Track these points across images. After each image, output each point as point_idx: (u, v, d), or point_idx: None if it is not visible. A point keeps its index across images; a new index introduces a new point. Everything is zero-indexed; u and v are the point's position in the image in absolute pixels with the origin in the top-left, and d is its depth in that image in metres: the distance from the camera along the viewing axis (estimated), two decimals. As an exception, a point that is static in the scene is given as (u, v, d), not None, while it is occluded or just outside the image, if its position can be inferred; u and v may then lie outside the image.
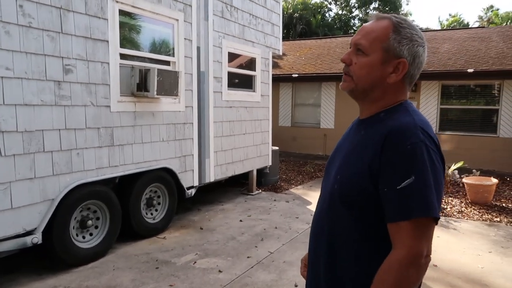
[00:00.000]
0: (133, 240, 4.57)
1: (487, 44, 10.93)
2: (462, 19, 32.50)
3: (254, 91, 6.98)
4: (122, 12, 4.30)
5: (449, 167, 7.28)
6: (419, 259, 1.05)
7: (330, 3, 30.78)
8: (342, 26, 29.23)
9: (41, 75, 3.50)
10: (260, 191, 7.24)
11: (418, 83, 10.14)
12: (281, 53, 8.20)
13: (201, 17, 5.51)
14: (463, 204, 6.49)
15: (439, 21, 34.46)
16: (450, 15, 35.15)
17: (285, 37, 22.50)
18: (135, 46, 4.63)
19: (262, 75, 7.16)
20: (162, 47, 4.99)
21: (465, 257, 4.31)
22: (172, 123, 5.04)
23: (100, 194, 4.07)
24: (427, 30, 16.46)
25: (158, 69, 4.42)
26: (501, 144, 9.37)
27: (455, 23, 31.29)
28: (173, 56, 5.06)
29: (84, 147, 3.90)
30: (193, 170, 5.46)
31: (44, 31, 3.52)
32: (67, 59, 3.72)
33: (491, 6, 32.87)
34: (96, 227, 4.13)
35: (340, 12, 30.81)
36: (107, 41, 4.10)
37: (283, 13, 19.14)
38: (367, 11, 30.26)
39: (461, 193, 7.14)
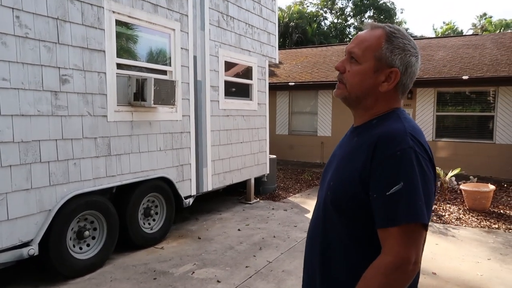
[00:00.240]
0: (130, 250, 4.53)
1: (481, 51, 11.04)
2: (456, 27, 32.86)
3: (251, 100, 7.00)
4: (118, 22, 4.32)
5: (446, 174, 7.29)
6: (407, 265, 1.05)
7: (325, 12, 31.10)
8: (337, 35, 29.49)
9: (37, 85, 3.49)
10: (258, 199, 7.21)
11: (413, 90, 10.20)
12: (277, 62, 8.24)
13: (197, 27, 5.54)
14: (461, 211, 6.49)
15: (434, 29, 34.81)
16: (444, 23, 35.54)
17: (281, 46, 22.64)
18: (132, 55, 4.64)
19: (259, 84, 7.18)
20: (158, 56, 5.01)
21: (464, 265, 4.29)
22: (169, 132, 5.03)
23: (97, 204, 4.04)
24: (422, 38, 16.62)
25: (155, 79, 4.43)
26: (498, 150, 9.42)
27: (449, 31, 31.62)
28: (170, 65, 5.08)
29: (81, 157, 3.88)
30: (190, 179, 5.44)
31: (41, 42, 3.52)
32: (64, 69, 3.72)
33: (485, 14, 33.27)
34: (93, 238, 4.09)
35: (335, 20, 31.11)
36: (104, 51, 4.11)
37: (279, 22, 19.29)
38: (362, 19, 30.56)
39: (458, 200, 7.14)
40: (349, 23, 31.19)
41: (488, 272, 4.09)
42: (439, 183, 7.52)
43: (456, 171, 7.15)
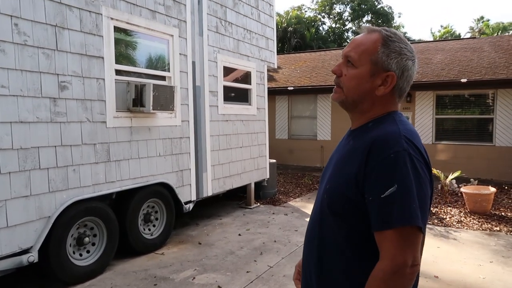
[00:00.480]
0: (130, 256, 4.51)
1: (479, 54, 11.07)
2: (453, 30, 32.99)
3: (250, 105, 7.01)
4: (117, 29, 4.33)
5: (447, 177, 7.28)
6: (404, 268, 1.05)
7: (323, 17, 31.25)
8: (336, 39, 29.62)
9: (36, 92, 3.50)
10: (258, 204, 7.20)
11: (412, 93, 10.23)
12: (276, 67, 8.26)
13: (195, 33, 5.56)
14: (462, 213, 6.47)
15: (431, 33, 35.00)
16: (441, 26, 35.69)
17: (280, 51, 22.72)
18: (131, 62, 4.66)
19: (258, 89, 7.19)
20: (157, 62, 5.02)
21: (466, 268, 4.27)
22: (169, 137, 5.03)
23: (97, 210, 4.03)
24: (419, 42, 16.68)
25: (153, 84, 4.44)
26: (498, 153, 9.41)
27: (447, 34, 31.75)
28: (169, 71, 5.09)
29: (80, 163, 3.88)
30: (190, 184, 5.43)
31: (40, 49, 3.53)
32: (63, 76, 3.73)
33: (482, 17, 33.43)
34: (93, 244, 4.08)
35: (333, 25, 31.25)
36: (102, 58, 4.12)
37: (277, 27, 19.37)
38: (360, 24, 30.70)
39: (459, 202, 7.12)
40: (347, 27, 31.34)
41: (490, 275, 4.07)
42: (439, 186, 7.51)
43: (456, 174, 7.15)
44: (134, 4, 4.50)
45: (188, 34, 5.37)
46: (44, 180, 3.55)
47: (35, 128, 3.49)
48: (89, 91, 3.98)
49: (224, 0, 6.18)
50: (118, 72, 4.35)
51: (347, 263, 1.17)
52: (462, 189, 6.82)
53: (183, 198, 5.24)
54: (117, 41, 4.34)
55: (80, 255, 3.96)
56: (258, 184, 7.41)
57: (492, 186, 6.86)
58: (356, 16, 30.49)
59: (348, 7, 30.94)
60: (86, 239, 3.96)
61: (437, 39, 29.53)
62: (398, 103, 1.26)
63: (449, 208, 6.82)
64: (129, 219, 4.44)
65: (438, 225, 5.88)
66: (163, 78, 5.01)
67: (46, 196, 3.57)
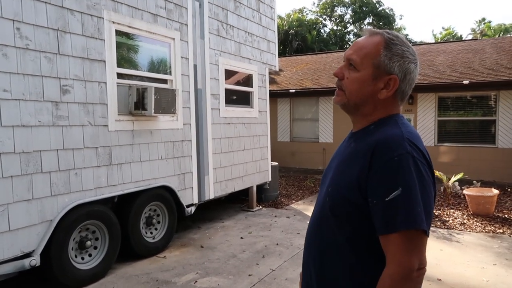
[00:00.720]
0: (132, 260, 4.51)
1: (481, 55, 11.05)
2: (455, 32, 32.95)
3: (251, 107, 7.01)
4: (118, 33, 4.34)
5: (449, 179, 7.25)
6: (411, 273, 1.05)
7: (325, 19, 31.29)
8: (337, 41, 29.64)
9: (38, 96, 3.51)
10: (260, 207, 7.19)
11: (414, 95, 10.21)
12: (277, 69, 8.27)
13: (197, 36, 5.57)
14: (465, 216, 6.44)
15: (433, 35, 34.93)
16: (443, 28, 35.67)
17: (282, 53, 22.75)
18: (132, 65, 4.67)
19: (259, 91, 7.20)
20: (159, 65, 5.03)
21: (470, 270, 4.25)
22: (171, 140, 5.03)
23: (99, 214, 4.03)
24: (421, 44, 16.67)
25: (155, 88, 4.44)
26: (500, 155, 9.38)
27: (449, 36, 31.72)
28: (170, 74, 5.09)
29: (82, 166, 3.88)
30: (192, 187, 5.43)
31: (41, 53, 3.54)
32: (65, 79, 3.74)
33: (483, 19, 33.41)
34: (95, 248, 4.08)
35: (335, 27, 31.28)
36: (104, 61, 4.13)
37: (278, 30, 19.40)
38: (362, 26, 30.72)
39: (462, 205, 7.09)
40: (348, 30, 31.37)
41: (494, 278, 4.05)
42: (442, 188, 7.48)
43: (459, 176, 7.12)
44: (135, 7, 4.52)
45: (189, 37, 5.38)
46: (46, 183, 3.56)
47: (37, 132, 3.49)
48: (91, 94, 3.99)
49: (225, 3, 6.20)
50: (120, 76, 4.36)
51: (349, 266, 1.16)
52: (464, 191, 6.79)
53: (185, 201, 5.24)
54: (118, 45, 4.35)
55: (82, 258, 3.96)
56: (260, 187, 7.40)
57: (495, 188, 6.83)
58: (358, 18, 30.52)
59: (349, 9, 30.98)
60: (88, 242, 3.96)
61: (439, 41, 29.52)
62: (400, 106, 1.25)
63: (452, 210, 6.79)
64: (131, 222, 4.44)
65: (441, 228, 5.85)
66: (164, 81, 5.02)
67: (48, 199, 3.58)
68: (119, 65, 4.36)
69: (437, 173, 6.70)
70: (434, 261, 4.45)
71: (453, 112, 10.17)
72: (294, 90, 11.41)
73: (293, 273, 4.14)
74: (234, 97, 6.59)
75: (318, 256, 1.24)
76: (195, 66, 5.51)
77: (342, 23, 31.31)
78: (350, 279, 1.16)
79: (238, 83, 6.74)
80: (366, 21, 30.66)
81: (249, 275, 4.13)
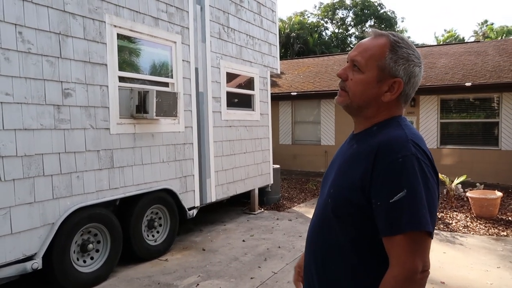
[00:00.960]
0: (134, 263, 4.50)
1: (483, 58, 11.03)
2: (457, 34, 32.92)
3: (253, 110, 7.01)
4: (120, 36, 4.36)
5: (452, 181, 7.22)
6: (414, 275, 1.04)
7: (326, 22, 31.33)
8: (339, 44, 29.66)
9: (40, 99, 3.52)
10: (262, 210, 7.17)
11: (416, 97, 10.19)
12: (279, 72, 8.27)
13: (198, 39, 5.59)
14: (468, 218, 6.41)
15: (435, 37, 34.91)
16: (445, 30, 35.66)
17: (283, 56, 22.78)
18: (134, 68, 4.68)
19: (261, 94, 7.20)
20: (160, 69, 5.04)
21: (473, 273, 4.22)
22: (172, 143, 5.04)
23: (100, 217, 4.03)
24: (423, 46, 16.66)
25: (156, 91, 4.45)
26: (504, 157, 9.33)
27: (451, 38, 31.69)
28: (172, 77, 5.11)
29: (84, 170, 3.89)
30: (194, 190, 5.43)
31: (43, 56, 3.56)
32: (66, 83, 3.75)
33: (486, 21, 33.35)
34: (97, 251, 4.07)
35: (336, 30, 31.31)
36: (106, 65, 4.14)
37: (280, 33, 19.42)
38: (363, 29, 30.75)
39: (465, 207, 7.06)
40: (350, 32, 31.39)
41: (498, 281, 4.02)
42: (445, 191, 7.45)
43: (462, 178, 7.09)
44: (137, 11, 4.54)
45: (191, 41, 5.40)
46: (48, 187, 3.56)
47: (39, 135, 3.50)
48: (93, 98, 4.00)
49: (226, 7, 6.21)
50: (121, 79, 4.37)
51: (351, 267, 1.16)
52: (468, 194, 6.76)
53: (186, 204, 5.24)
54: (120, 48, 4.36)
55: (84, 261, 3.96)
56: (262, 190, 7.39)
57: (498, 191, 6.79)
58: (359, 21, 30.55)
59: (351, 12, 31.02)
60: (90, 245, 3.96)
61: (441, 43, 29.50)
62: (403, 108, 1.25)
63: (455, 213, 6.76)
64: (132, 225, 4.43)
65: (444, 230, 5.82)
66: (166, 84, 5.03)
67: (50, 202, 3.58)
68: (121, 68, 4.38)
69: (440, 175, 6.65)
70: (437, 263, 4.42)
71: (456, 114, 10.14)
72: (295, 93, 11.42)
73: (295, 276, 4.13)
74: (236, 100, 6.60)
75: (320, 257, 1.24)
76: (196, 69, 5.52)
77: (344, 26, 31.34)
78: (352, 280, 1.16)
79: (239, 86, 6.75)
80: (368, 24, 30.68)
81: (251, 278, 4.12)
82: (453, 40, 30.76)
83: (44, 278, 3.80)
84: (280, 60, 8.21)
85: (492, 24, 32.11)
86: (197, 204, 5.50)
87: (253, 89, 7.00)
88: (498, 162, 9.33)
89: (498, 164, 9.31)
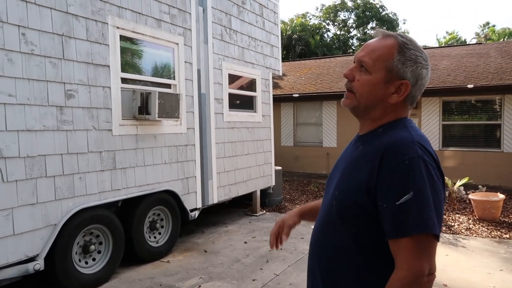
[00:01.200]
0: (136, 264, 4.50)
1: (485, 59, 11.02)
2: (459, 36, 32.90)
3: (255, 112, 7.01)
4: (123, 38, 4.37)
5: (454, 184, 7.21)
6: (421, 278, 1.03)
7: (328, 24, 31.35)
8: (340, 46, 29.66)
9: (43, 100, 3.53)
10: (264, 211, 7.17)
11: (418, 99, 10.15)
12: (281, 74, 8.28)
13: (200, 41, 5.59)
14: (470, 221, 6.39)
15: (437, 39, 34.90)
16: (447, 32, 35.64)
17: (285, 58, 22.80)
18: (136, 70, 4.69)
19: (263, 96, 7.20)
20: (163, 70, 5.05)
21: (476, 276, 4.20)
22: (174, 145, 5.04)
23: (102, 218, 4.04)
24: (425, 48, 16.66)
25: (159, 92, 4.46)
26: (506, 159, 9.31)
27: (453, 40, 31.68)
28: (174, 79, 5.11)
29: (86, 171, 3.89)
30: (196, 192, 5.43)
31: (46, 58, 3.57)
32: (69, 84, 3.76)
33: (488, 23, 33.32)
34: (99, 252, 4.08)
35: (338, 32, 31.31)
36: (109, 66, 4.15)
37: (282, 34, 19.42)
38: (365, 31, 30.75)
39: (468, 209, 7.04)
40: (352, 34, 31.39)
41: (501, 284, 4.00)
42: (447, 193, 7.43)
43: (464, 181, 7.07)
44: (139, 13, 4.54)
45: (193, 42, 5.40)
46: (50, 188, 3.57)
47: (41, 136, 3.51)
48: (95, 99, 4.01)
49: (229, 9, 6.22)
50: (124, 80, 4.38)
51: (356, 269, 1.15)
52: (470, 196, 6.74)
53: (188, 205, 5.24)
54: (122, 50, 4.37)
55: (86, 263, 3.96)
56: (264, 192, 7.38)
57: (500, 193, 6.77)
58: (361, 23, 30.56)
59: (352, 14, 31.03)
60: (92, 247, 3.96)
61: (443, 45, 29.47)
62: (409, 110, 1.25)
63: (457, 215, 6.74)
64: (134, 226, 4.43)
65: (446, 233, 5.81)
66: (168, 86, 5.04)
67: (53, 204, 3.58)
68: (123, 70, 4.38)
69: (442, 177, 6.64)
70: (440, 266, 4.39)
71: (458, 116, 10.13)
72: (297, 95, 11.42)
73: (297, 278, 4.12)
74: (238, 101, 6.61)
75: (324, 259, 1.23)
76: (198, 71, 5.53)
77: (346, 28, 31.35)
78: (357, 281, 1.15)
79: (241, 87, 6.76)
80: (369, 26, 30.69)
81: (253, 280, 4.11)
82: (455, 42, 30.75)
83: (46, 280, 3.81)
84: (282, 62, 8.21)
85: (494, 26, 32.09)
86: (199, 205, 5.50)
87: (255, 91, 7.01)
88: (500, 164, 9.31)
89: (500, 166, 9.28)
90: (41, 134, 3.51)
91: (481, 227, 6.03)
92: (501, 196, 6.48)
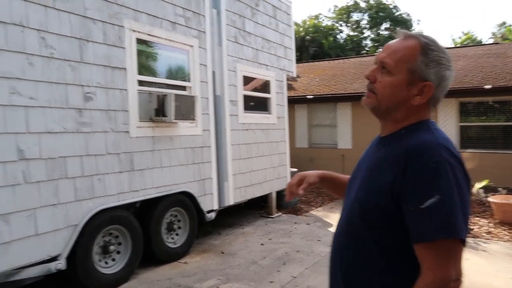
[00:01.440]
0: (154, 265, 4.52)
1: (503, 60, 10.80)
2: (475, 36, 32.36)
3: (270, 113, 7.00)
4: (139, 41, 4.41)
5: (474, 186, 7.06)
6: (447, 284, 1.01)
7: (341, 25, 31.19)
8: (354, 47, 29.43)
9: (63, 103, 3.58)
10: (280, 213, 7.14)
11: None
12: (295, 75, 8.26)
13: (215, 43, 5.62)
14: (491, 224, 6.24)
15: (452, 40, 34.38)
16: (462, 32, 35.13)
17: (298, 60, 22.72)
18: (152, 72, 4.73)
19: (277, 97, 7.19)
20: (178, 72, 5.09)
21: (498, 281, 4.10)
22: (190, 147, 5.06)
23: (121, 219, 4.08)
24: (440, 48, 16.40)
25: (175, 94, 4.49)
26: (526, 160, 9.08)
27: (468, 41, 31.18)
28: (189, 81, 5.14)
29: (105, 172, 3.93)
30: (212, 193, 5.44)
31: (65, 61, 3.62)
32: (87, 87, 3.81)
33: (504, 23, 32.72)
34: (118, 253, 4.11)
35: (351, 33, 31.12)
36: (125, 69, 4.20)
37: (295, 36, 19.37)
38: (378, 32, 30.51)
39: (488, 212, 6.88)
40: (365, 35, 31.17)
41: (525, 286, 3.90)
42: (466, 194, 7.29)
43: (484, 183, 6.93)
44: (155, 16, 4.59)
45: (207, 45, 5.43)
46: (71, 189, 3.62)
47: (61, 138, 3.56)
48: (113, 101, 4.05)
49: (242, 11, 6.24)
50: (140, 83, 4.42)
51: (379, 274, 1.13)
52: (490, 199, 6.59)
53: (205, 207, 5.25)
54: (139, 52, 4.42)
55: (106, 263, 4.00)
56: (279, 193, 7.35)
57: (522, 194, 6.61)
58: (374, 24, 30.32)
59: (366, 15, 30.82)
60: (112, 247, 4.00)
61: (458, 45, 29.03)
62: (431, 112, 1.23)
63: (477, 218, 6.59)
64: (152, 228, 4.47)
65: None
66: (183, 88, 5.07)
67: (73, 204, 3.63)
68: (140, 72, 4.42)
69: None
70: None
71: (475, 118, 9.93)
72: (311, 96, 11.37)
73: (314, 281, 4.08)
74: (252, 103, 6.61)
75: (346, 261, 1.22)
76: (213, 73, 5.55)
77: (359, 29, 31.15)
78: (380, 284, 1.13)
79: (256, 89, 6.76)
80: (383, 27, 30.44)
81: (270, 282, 4.09)
82: (471, 42, 30.25)
83: (67, 279, 3.85)
84: (295, 63, 8.19)
85: (510, 25, 31.47)
86: (215, 207, 5.51)
87: (269, 93, 7.00)
88: (521, 165, 9.08)
89: (521, 168, 9.05)
90: (61, 136, 3.56)
91: (502, 231, 5.88)
92: (523, 197, 6.32)
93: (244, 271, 4.37)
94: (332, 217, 6.82)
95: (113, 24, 4.08)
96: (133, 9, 4.31)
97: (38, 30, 3.41)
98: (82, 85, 3.76)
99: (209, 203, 5.39)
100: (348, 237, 1.22)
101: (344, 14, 31.12)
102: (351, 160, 10.17)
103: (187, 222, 4.99)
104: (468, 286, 3.87)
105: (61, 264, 3.46)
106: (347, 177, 1.45)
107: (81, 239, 3.65)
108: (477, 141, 9.79)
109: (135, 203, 4.32)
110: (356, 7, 30.92)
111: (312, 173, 1.50)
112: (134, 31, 4.32)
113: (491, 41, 29.85)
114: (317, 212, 7.31)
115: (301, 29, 25.88)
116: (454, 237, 1.01)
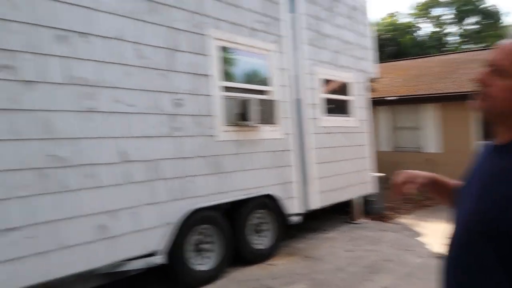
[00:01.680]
0: (240, 265, 4.58)
1: None
2: None
3: (351, 116, 6.78)
4: (220, 48, 4.56)
5: None
6: None
7: (420, 22, 29.46)
8: (435, 45, 27.58)
9: (157, 109, 3.83)
10: (364, 220, 6.83)
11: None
12: (375, 76, 7.92)
13: (292, 47, 5.60)
14: None
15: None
16: None
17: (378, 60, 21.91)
18: (234, 78, 4.85)
19: (358, 100, 6.95)
20: (258, 77, 5.16)
21: None
22: (272, 150, 5.08)
23: (211, 219, 4.24)
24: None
25: (256, 99, 4.56)
26: None
27: None
28: (269, 85, 5.18)
29: (195, 174, 4.12)
30: (295, 197, 5.39)
31: (158, 70, 3.87)
32: (177, 94, 4.02)
33: None
34: (209, 251, 4.26)
35: (432, 30, 29.23)
36: (210, 76, 4.36)
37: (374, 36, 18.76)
38: (461, 27, 28.32)
39: None
40: (446, 31, 29.08)
41: None
42: None
43: None
44: (234, 23, 4.71)
45: (285, 49, 5.44)
46: (166, 189, 3.85)
47: (157, 142, 3.81)
48: (200, 107, 4.23)
49: (318, 13, 6.16)
50: (223, 89, 4.56)
51: (496, 285, 1.02)
52: None
53: (288, 210, 5.21)
54: (221, 59, 4.56)
55: (199, 260, 4.18)
56: (363, 199, 7.06)
57: None
58: (460, 18, 28.18)
59: (449, 9, 28.78)
60: (204, 245, 4.17)
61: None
62: None
63: None
64: (239, 229, 4.56)
65: None
66: (264, 92, 5.12)
67: (169, 204, 3.86)
68: (222, 78, 4.56)
69: None
70: None
71: None
72: (394, 98, 10.81)
73: (409, 289, 3.80)
74: (332, 106, 6.45)
75: (461, 274, 1.12)
76: (292, 77, 5.54)
77: (440, 25, 29.16)
78: None
79: (335, 92, 6.60)
80: (469, 21, 28.16)
81: (361, 288, 3.89)
82: None
83: (163, 275, 4.06)
84: (376, 63, 7.86)
85: None
86: (299, 210, 5.44)
87: (349, 95, 6.79)
88: None
89: None
90: (157, 140, 3.81)
91: None
92: None
93: (331, 277, 4.23)
94: (423, 226, 6.34)
95: (197, 33, 4.27)
96: (215, 18, 4.48)
97: (133, 42, 3.69)
98: (173, 92, 3.98)
99: (292, 207, 5.34)
100: (464, 248, 1.12)
101: (424, 10, 29.40)
102: (440, 165, 9.42)
103: (271, 225, 5.01)
104: None
105: (162, 258, 3.70)
106: (453, 182, 1.39)
107: (177, 237, 3.86)
108: None
109: (223, 204, 4.44)
110: (436, 2, 29.05)
111: (421, 173, 1.46)
112: (215, 39, 4.47)
113: None
114: (405, 220, 6.86)
115: (378, 28, 24.96)
116: None
